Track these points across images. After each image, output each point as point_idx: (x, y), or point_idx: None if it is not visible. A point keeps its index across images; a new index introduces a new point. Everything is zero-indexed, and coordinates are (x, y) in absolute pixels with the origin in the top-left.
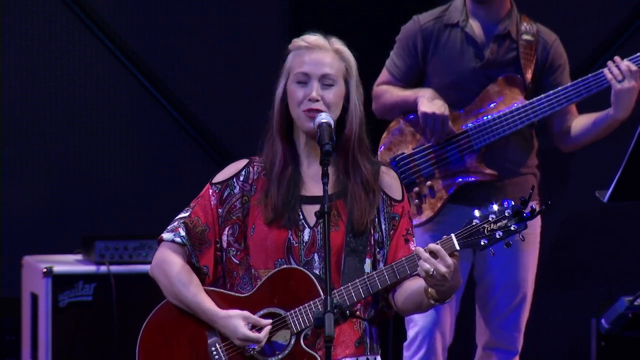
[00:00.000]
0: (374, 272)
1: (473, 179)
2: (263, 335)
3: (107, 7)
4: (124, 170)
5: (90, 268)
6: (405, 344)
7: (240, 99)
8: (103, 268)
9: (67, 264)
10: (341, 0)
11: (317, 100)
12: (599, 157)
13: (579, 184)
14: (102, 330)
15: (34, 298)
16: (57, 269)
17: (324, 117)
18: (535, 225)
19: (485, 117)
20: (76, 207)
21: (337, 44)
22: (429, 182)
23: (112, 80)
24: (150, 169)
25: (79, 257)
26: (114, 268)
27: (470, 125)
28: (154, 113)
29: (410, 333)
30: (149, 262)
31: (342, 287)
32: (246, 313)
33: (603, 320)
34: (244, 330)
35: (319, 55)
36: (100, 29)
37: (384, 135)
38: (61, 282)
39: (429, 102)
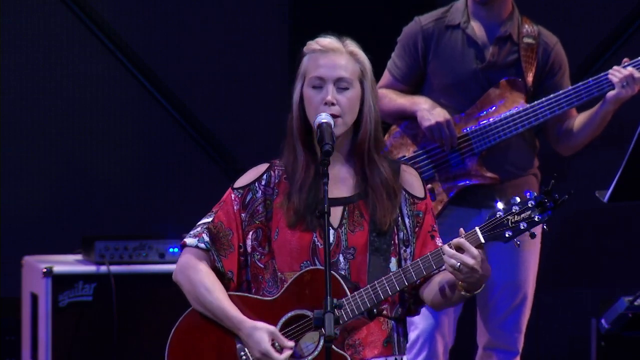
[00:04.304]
0: (400, 269)
1: (474, 182)
2: (283, 357)
3: (106, 7)
4: (124, 170)
5: (90, 268)
6: (406, 346)
7: (241, 100)
8: (103, 268)
9: (67, 264)
10: (341, 1)
11: (333, 104)
12: (599, 157)
13: (580, 184)
14: (102, 330)
15: (34, 298)
16: (57, 269)
17: (324, 117)
18: None
19: (486, 121)
20: (76, 207)
21: (352, 46)
22: (429, 185)
23: (112, 80)
24: (150, 169)
25: (79, 257)
26: (114, 268)
27: (471, 128)
28: (154, 113)
29: (412, 336)
30: (149, 262)
31: (368, 285)
32: (273, 329)
33: (603, 320)
34: (267, 345)
35: (333, 58)
36: (100, 28)
37: (385, 138)
38: (61, 282)
39: (429, 114)
